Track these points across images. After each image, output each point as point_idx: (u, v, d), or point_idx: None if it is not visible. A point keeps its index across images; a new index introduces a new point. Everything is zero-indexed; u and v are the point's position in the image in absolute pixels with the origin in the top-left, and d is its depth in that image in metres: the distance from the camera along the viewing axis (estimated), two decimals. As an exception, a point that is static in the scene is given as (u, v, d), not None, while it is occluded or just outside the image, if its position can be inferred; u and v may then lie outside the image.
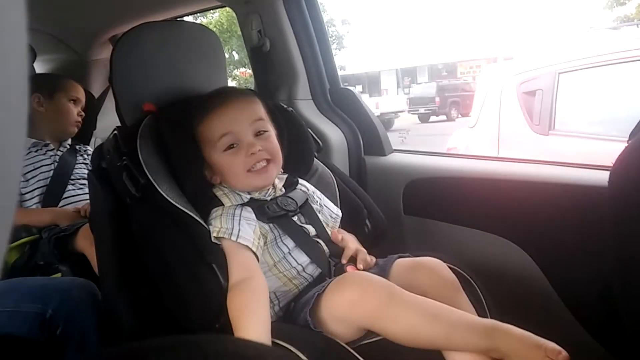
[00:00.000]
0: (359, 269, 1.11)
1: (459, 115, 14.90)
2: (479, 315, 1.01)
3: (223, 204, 1.12)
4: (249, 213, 1.10)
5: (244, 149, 1.12)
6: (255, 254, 1.04)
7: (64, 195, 1.77)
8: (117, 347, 0.33)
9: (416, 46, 23.59)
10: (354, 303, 0.91)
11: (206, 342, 0.31)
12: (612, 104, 2.67)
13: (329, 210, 1.25)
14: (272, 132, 1.18)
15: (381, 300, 0.90)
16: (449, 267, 1.08)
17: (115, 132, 1.20)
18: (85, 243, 1.50)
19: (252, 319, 0.92)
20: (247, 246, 1.03)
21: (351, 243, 1.18)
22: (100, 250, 1.25)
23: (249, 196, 1.14)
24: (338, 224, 1.27)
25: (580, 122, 2.72)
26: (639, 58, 2.44)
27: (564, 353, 0.83)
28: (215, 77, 1.38)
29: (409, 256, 1.14)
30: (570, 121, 2.72)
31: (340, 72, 1.87)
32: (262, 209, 1.12)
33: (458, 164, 1.63)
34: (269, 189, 1.18)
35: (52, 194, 1.75)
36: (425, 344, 0.90)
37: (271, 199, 1.15)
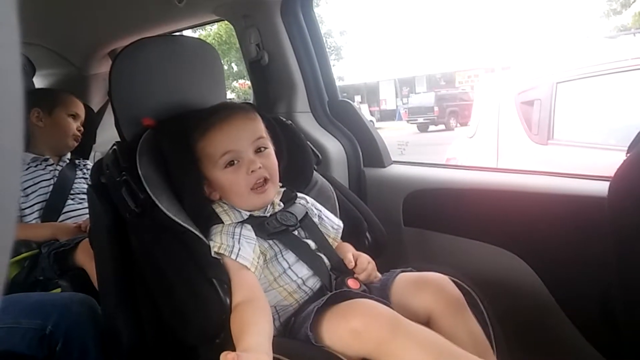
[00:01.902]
0: (360, 281, 1.10)
1: (458, 125, 14.93)
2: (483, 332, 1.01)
3: (222, 221, 1.12)
4: (248, 231, 1.10)
5: (245, 166, 1.12)
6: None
7: (64, 210, 1.76)
8: None
9: (414, 56, 23.67)
10: (356, 333, 0.89)
11: None
12: (611, 113, 2.68)
13: (330, 222, 1.25)
14: (271, 149, 1.19)
15: (384, 333, 0.88)
16: (453, 281, 1.08)
17: (115, 147, 1.21)
18: (84, 258, 1.50)
19: (254, 330, 0.92)
20: (245, 266, 1.03)
21: (365, 260, 1.17)
22: (100, 265, 1.24)
23: (248, 213, 1.14)
24: (340, 235, 1.26)
25: (579, 131, 2.72)
26: (637, 67, 2.44)
27: None
28: (214, 91, 1.39)
29: (411, 270, 1.14)
30: (568, 131, 2.73)
31: (338, 83, 1.88)
32: (262, 226, 1.12)
33: (458, 175, 1.64)
34: (267, 206, 1.18)
35: (52, 208, 1.75)
36: None
37: (270, 215, 1.15)
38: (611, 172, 1.01)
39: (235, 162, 1.13)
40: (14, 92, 0.20)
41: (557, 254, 1.30)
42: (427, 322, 1.00)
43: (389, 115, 22.30)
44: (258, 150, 1.15)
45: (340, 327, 0.92)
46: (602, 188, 1.09)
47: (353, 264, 1.14)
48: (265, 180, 1.14)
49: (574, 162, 2.54)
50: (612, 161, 1.00)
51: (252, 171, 1.12)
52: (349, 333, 0.90)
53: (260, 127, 1.19)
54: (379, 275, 1.16)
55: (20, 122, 0.21)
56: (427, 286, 1.06)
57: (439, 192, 1.56)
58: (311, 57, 1.77)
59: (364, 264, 1.15)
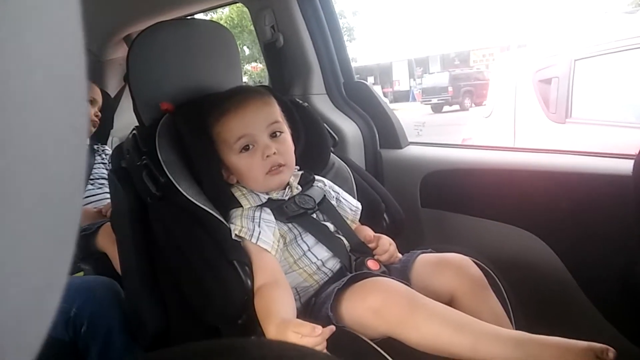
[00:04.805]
0: (380, 262, 1.11)
1: (473, 105, 14.77)
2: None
3: (241, 205, 1.13)
4: (267, 215, 1.11)
5: (260, 150, 1.13)
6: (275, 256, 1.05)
7: (84, 195, 1.79)
8: (160, 353, 0.33)
9: (428, 36, 23.37)
10: (375, 311, 0.90)
11: (252, 345, 0.31)
12: (630, 90, 2.63)
13: (349, 203, 1.26)
14: (287, 133, 1.19)
15: (403, 309, 0.89)
16: (474, 262, 1.08)
17: (134, 131, 1.22)
18: (106, 242, 1.52)
19: (282, 307, 0.94)
20: (266, 249, 1.04)
21: (386, 241, 1.17)
22: (122, 249, 1.26)
23: (267, 197, 1.15)
24: (358, 216, 1.27)
25: (598, 109, 2.67)
26: (657, 42, 2.39)
27: (612, 350, 0.79)
28: (230, 74, 1.39)
29: (431, 251, 1.14)
30: (587, 109, 2.68)
31: (351, 64, 1.86)
32: (281, 209, 1.13)
33: (475, 155, 1.62)
34: (285, 189, 1.18)
35: (72, 193, 1.77)
36: (450, 353, 0.88)
37: (289, 199, 1.16)
38: (631, 149, 1.00)
39: (251, 146, 1.14)
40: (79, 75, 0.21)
41: (577, 234, 1.28)
42: (450, 303, 1.00)
43: (403, 97, 22.10)
44: (273, 135, 1.16)
45: (359, 306, 0.93)
46: (625, 166, 1.08)
47: (374, 243, 1.15)
48: (280, 165, 1.14)
49: (592, 140, 2.50)
50: (631, 138, 0.99)
51: (267, 156, 1.12)
52: (369, 311, 0.91)
53: (275, 111, 1.19)
54: (400, 255, 1.16)
55: (85, 104, 0.22)
56: (449, 267, 1.06)
57: (456, 172, 1.55)
58: (326, 38, 1.76)
59: (385, 245, 1.15)
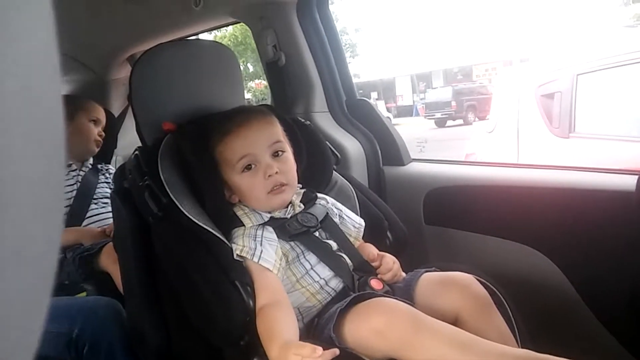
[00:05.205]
0: (383, 282, 1.10)
1: (476, 119, 14.78)
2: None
3: (243, 224, 1.12)
4: (270, 233, 1.10)
5: (262, 170, 1.13)
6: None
7: (88, 215, 1.79)
8: None
9: (430, 51, 23.48)
10: (378, 332, 0.89)
11: None
12: (633, 104, 2.63)
13: (352, 221, 1.25)
14: (289, 153, 1.19)
15: (407, 330, 0.87)
16: (478, 280, 1.07)
17: (137, 152, 1.22)
18: (109, 262, 1.52)
19: (285, 327, 0.93)
20: (268, 268, 1.04)
21: (390, 260, 1.16)
22: (125, 269, 1.26)
23: (269, 215, 1.15)
24: (362, 234, 1.26)
25: (601, 123, 2.67)
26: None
27: None
28: (232, 94, 1.40)
29: (435, 270, 1.13)
30: (590, 123, 2.68)
31: (354, 80, 1.87)
32: (283, 228, 1.12)
33: (478, 171, 1.62)
34: (288, 207, 1.18)
35: (76, 213, 1.77)
36: None
37: (291, 217, 1.16)
38: (636, 164, 0.99)
39: (253, 166, 1.14)
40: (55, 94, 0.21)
41: (582, 251, 1.27)
42: (455, 322, 0.99)
43: (406, 111, 22.16)
44: (275, 155, 1.16)
45: (362, 327, 0.92)
46: (628, 182, 1.07)
47: (378, 262, 1.14)
48: (282, 184, 1.14)
49: (596, 155, 2.50)
50: (635, 153, 0.98)
51: (269, 176, 1.12)
52: (372, 332, 0.90)
53: (277, 131, 1.19)
54: (404, 274, 1.15)
55: (61, 122, 0.24)
56: (453, 286, 1.05)
57: (459, 189, 1.54)
58: (328, 56, 1.77)
59: (389, 263, 1.14)
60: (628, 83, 2.60)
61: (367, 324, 0.91)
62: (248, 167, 1.14)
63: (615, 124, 2.64)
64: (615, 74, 2.60)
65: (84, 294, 1.57)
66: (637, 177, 0.97)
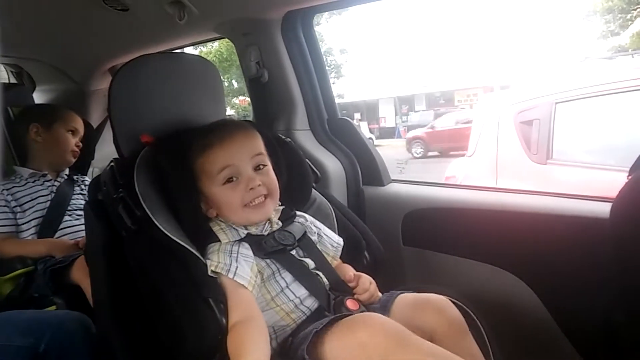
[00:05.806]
0: (359, 302, 1.09)
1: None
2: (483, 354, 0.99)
3: (219, 240, 1.11)
4: (246, 250, 1.09)
5: (244, 183, 1.12)
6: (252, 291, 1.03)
7: (61, 226, 1.75)
8: None
9: (414, 75, 23.78)
10: (363, 345, 0.88)
11: None
12: (609, 133, 2.69)
13: (330, 239, 1.24)
14: (270, 167, 1.19)
15: (391, 343, 0.87)
16: (453, 302, 1.06)
17: (112, 163, 1.20)
18: (80, 275, 1.48)
19: (253, 348, 0.91)
20: (243, 284, 1.02)
21: (366, 280, 1.16)
22: (95, 283, 1.23)
23: (246, 232, 1.13)
24: (339, 253, 1.25)
25: (578, 151, 2.72)
26: (635, 88, 2.45)
27: None
28: (213, 109, 1.38)
29: (411, 291, 1.12)
30: (567, 150, 2.73)
31: (338, 100, 1.88)
32: (260, 245, 1.11)
33: (457, 194, 1.63)
34: (265, 224, 1.17)
35: (49, 224, 1.73)
36: None
37: (268, 234, 1.14)
38: (611, 192, 1.01)
39: (235, 178, 1.13)
40: None
41: (557, 275, 1.28)
42: None
43: (389, 133, 22.31)
44: (257, 168, 1.15)
45: (346, 341, 0.91)
46: (603, 209, 1.08)
47: (354, 282, 1.13)
48: (265, 196, 1.13)
49: (573, 182, 2.54)
50: (611, 181, 1.00)
51: (251, 188, 1.11)
52: (355, 345, 0.89)
53: (259, 144, 1.19)
54: (380, 295, 1.14)
55: None
56: (428, 307, 1.05)
57: (438, 211, 1.55)
58: (311, 75, 1.77)
59: (365, 284, 1.14)
60: (604, 113, 2.66)
61: (352, 337, 0.90)
62: (229, 180, 1.13)
63: (591, 152, 2.70)
64: (593, 103, 2.66)
65: (54, 307, 1.53)
66: (611, 204, 0.98)
